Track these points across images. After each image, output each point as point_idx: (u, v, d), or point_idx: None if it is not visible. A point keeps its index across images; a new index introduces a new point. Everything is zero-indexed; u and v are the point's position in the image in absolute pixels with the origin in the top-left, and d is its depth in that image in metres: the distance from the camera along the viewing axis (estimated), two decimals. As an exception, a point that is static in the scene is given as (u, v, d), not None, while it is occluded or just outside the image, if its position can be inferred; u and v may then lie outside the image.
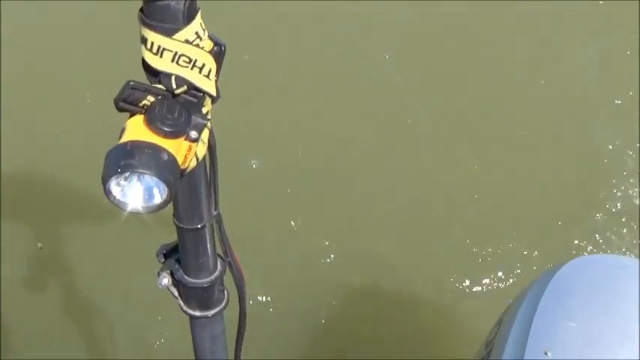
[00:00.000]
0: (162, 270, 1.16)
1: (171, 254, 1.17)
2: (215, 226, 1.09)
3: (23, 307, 2.43)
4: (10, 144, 2.74)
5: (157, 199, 0.89)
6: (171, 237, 1.13)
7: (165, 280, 1.16)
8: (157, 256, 1.18)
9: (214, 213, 1.07)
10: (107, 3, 2.82)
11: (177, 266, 1.14)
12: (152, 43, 0.86)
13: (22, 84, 2.90)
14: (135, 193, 0.89)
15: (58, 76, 2.96)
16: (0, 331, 2.40)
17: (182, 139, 0.89)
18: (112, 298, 2.47)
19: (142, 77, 0.90)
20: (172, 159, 0.87)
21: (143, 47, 0.88)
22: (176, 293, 1.18)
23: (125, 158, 0.85)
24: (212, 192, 1.05)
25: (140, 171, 0.85)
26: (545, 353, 1.26)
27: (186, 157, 0.91)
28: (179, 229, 1.07)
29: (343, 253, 2.60)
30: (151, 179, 0.87)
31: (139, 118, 0.89)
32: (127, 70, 0.97)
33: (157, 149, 0.86)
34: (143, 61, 0.89)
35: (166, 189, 0.87)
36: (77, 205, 2.57)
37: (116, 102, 0.89)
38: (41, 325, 2.44)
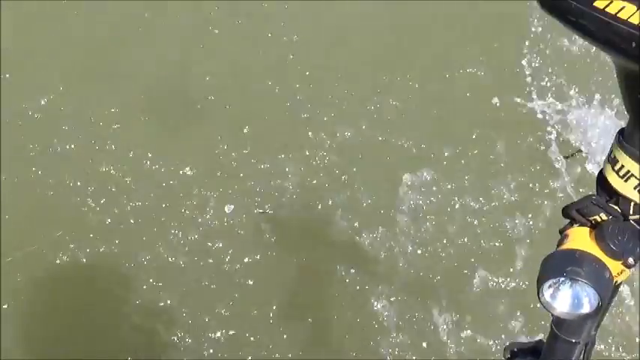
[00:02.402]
0: None
1: (520, 355, 1.19)
2: (587, 347, 1.10)
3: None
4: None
5: (585, 309, 0.92)
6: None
7: None
8: (504, 350, 1.21)
9: (593, 333, 1.08)
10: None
11: None
12: (622, 167, 0.90)
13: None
14: (564, 297, 0.92)
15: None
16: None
17: (621, 262, 0.92)
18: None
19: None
20: (611, 278, 0.90)
21: (609, 166, 0.91)
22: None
23: (573, 265, 0.89)
24: (599, 316, 1.05)
25: (584, 282, 0.88)
26: None
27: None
28: (553, 336, 1.08)
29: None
30: (584, 289, 0.90)
31: (584, 230, 0.93)
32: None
33: (602, 266, 0.89)
34: (601, 176, 0.93)
35: (599, 303, 0.90)
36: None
37: (569, 208, 0.93)
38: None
